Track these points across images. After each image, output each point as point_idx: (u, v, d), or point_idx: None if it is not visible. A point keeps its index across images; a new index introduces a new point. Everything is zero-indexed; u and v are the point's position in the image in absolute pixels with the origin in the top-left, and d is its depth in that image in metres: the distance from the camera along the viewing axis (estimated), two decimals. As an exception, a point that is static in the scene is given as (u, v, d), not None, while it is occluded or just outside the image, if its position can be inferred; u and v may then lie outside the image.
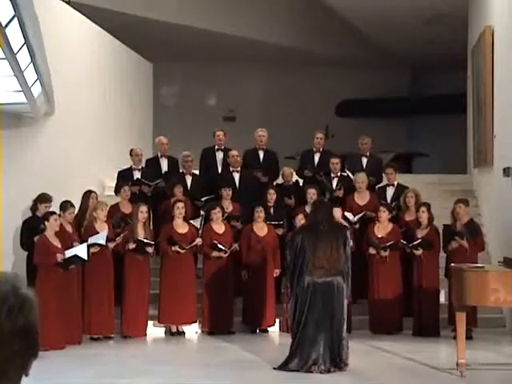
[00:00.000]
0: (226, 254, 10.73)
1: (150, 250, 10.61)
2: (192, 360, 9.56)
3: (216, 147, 12.53)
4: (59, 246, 9.79)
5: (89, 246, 10.01)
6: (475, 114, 14.10)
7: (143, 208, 10.72)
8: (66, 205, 10.30)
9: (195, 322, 10.82)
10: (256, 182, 12.08)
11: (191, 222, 11.08)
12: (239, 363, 8.92)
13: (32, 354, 1.81)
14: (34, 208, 10.51)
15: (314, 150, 12.52)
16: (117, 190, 11.74)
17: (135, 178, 11.99)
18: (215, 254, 10.74)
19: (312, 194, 11.21)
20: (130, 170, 12.19)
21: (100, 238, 10.21)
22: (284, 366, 8.43)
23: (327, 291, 8.42)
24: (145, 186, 11.84)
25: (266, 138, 12.51)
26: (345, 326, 8.49)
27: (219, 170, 12.41)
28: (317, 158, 12.46)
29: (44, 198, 10.48)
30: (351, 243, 8.91)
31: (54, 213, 9.98)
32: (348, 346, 8.48)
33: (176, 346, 10.36)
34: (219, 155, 12.48)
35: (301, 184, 12.30)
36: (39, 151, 11.59)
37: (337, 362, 8.38)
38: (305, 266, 8.47)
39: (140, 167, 12.22)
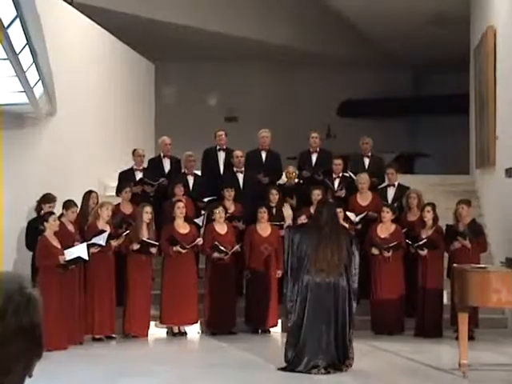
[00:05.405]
0: (227, 256, 10.72)
1: (153, 250, 10.62)
2: (194, 360, 9.55)
3: (218, 147, 12.53)
4: (59, 246, 9.78)
5: (89, 246, 10.01)
6: (477, 115, 14.08)
7: (148, 208, 10.71)
8: (69, 204, 10.32)
9: (197, 322, 10.83)
10: (259, 183, 12.08)
11: (194, 220, 11.10)
12: (241, 364, 8.90)
13: (36, 355, 1.80)
14: (38, 209, 10.52)
15: (311, 150, 12.51)
16: (119, 191, 11.74)
17: (138, 178, 11.98)
18: (216, 255, 10.73)
19: (317, 194, 11.19)
20: (131, 171, 12.18)
21: (100, 239, 10.19)
22: (290, 366, 8.40)
23: (328, 292, 8.35)
24: (148, 185, 11.83)
25: (269, 138, 12.50)
26: (349, 329, 8.42)
27: (221, 171, 12.41)
28: (314, 158, 12.44)
29: (48, 199, 10.48)
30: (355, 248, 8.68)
31: (53, 213, 9.98)
32: (353, 349, 8.44)
33: (178, 346, 10.35)
34: (221, 155, 12.48)
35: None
36: (41, 151, 11.58)
37: (337, 364, 8.32)
38: (304, 265, 8.42)
39: (141, 168, 12.21)
